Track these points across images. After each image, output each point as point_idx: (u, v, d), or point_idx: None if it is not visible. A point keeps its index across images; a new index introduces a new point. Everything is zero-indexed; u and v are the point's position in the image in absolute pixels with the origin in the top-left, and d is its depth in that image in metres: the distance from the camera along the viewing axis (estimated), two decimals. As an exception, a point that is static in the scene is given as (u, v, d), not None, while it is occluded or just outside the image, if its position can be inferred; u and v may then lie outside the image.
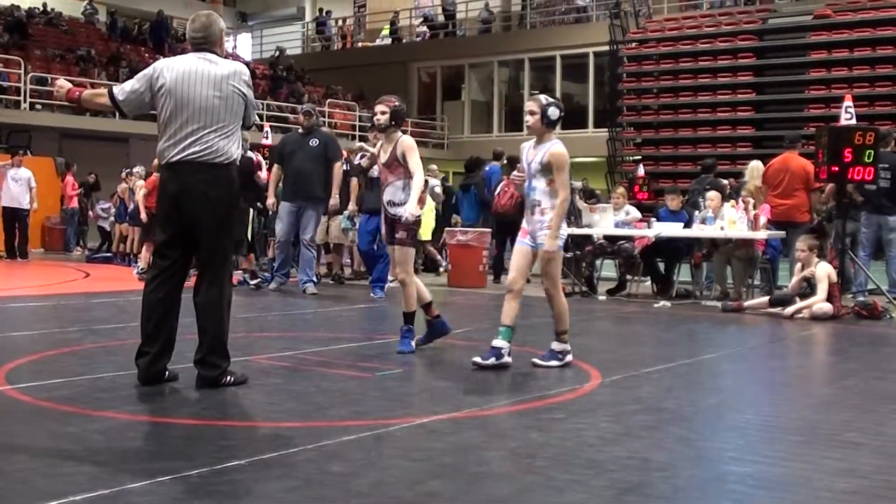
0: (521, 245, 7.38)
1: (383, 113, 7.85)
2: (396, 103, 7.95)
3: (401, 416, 5.44)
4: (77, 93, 6.34)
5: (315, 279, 13.19)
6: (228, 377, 6.18)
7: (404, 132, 8.20)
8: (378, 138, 12.57)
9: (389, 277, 13.75)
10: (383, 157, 7.92)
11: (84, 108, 25.58)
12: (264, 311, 10.89)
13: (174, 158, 6.06)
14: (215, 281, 6.16)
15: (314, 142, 12.54)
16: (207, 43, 6.20)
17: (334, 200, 12.95)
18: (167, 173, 6.17)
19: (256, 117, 6.26)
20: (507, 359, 7.13)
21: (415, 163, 7.84)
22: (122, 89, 6.23)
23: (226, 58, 6.30)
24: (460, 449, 4.78)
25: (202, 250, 6.15)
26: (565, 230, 7.38)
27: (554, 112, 7.21)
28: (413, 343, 7.89)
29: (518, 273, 7.40)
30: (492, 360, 7.06)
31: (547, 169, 7.17)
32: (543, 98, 7.34)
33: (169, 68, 6.11)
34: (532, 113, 7.25)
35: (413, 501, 3.92)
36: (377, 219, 12.38)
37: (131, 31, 34.65)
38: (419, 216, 7.94)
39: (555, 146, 7.19)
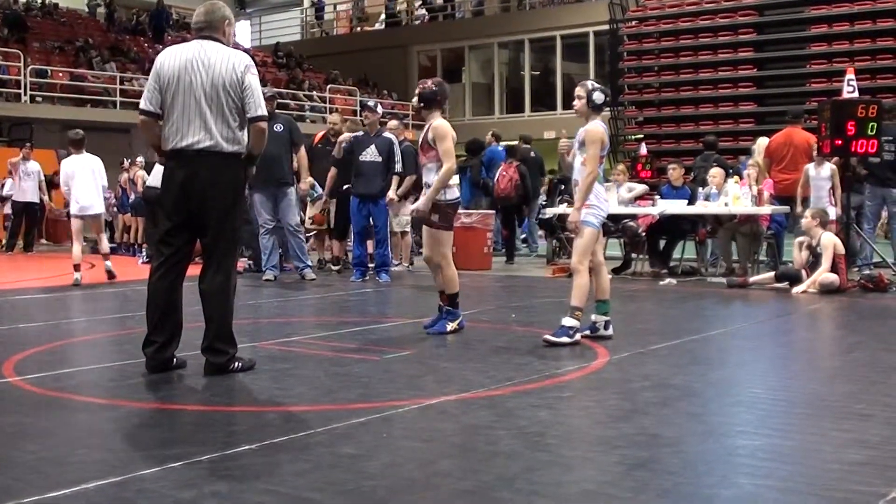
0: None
1: (415, 96, 8.12)
2: (425, 86, 8.09)
3: (409, 398, 5.44)
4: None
5: (311, 263, 13.18)
6: (236, 363, 6.19)
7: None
8: (367, 118, 12.64)
9: (394, 261, 13.78)
10: (420, 140, 8.15)
11: (84, 100, 25.72)
12: (270, 298, 10.91)
13: (179, 145, 6.06)
14: (221, 268, 6.16)
15: (278, 127, 12.37)
16: (209, 29, 6.22)
17: (305, 185, 12.93)
18: (173, 161, 6.16)
19: (263, 107, 6.21)
20: (603, 332, 7.62)
21: (444, 150, 7.92)
22: (143, 98, 6.24)
23: (232, 47, 6.33)
24: (469, 429, 4.79)
25: (209, 237, 6.14)
26: (604, 208, 7.52)
27: (599, 96, 7.50)
28: (449, 325, 7.88)
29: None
30: (587, 332, 7.53)
31: (583, 146, 7.43)
32: (590, 83, 7.63)
33: (171, 55, 6.14)
34: (579, 97, 7.56)
35: (424, 482, 3.94)
36: (368, 203, 12.38)
37: (129, 21, 34.60)
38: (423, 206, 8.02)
39: (591, 125, 7.45)
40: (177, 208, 6.14)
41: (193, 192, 6.06)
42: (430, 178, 7.94)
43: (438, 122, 7.95)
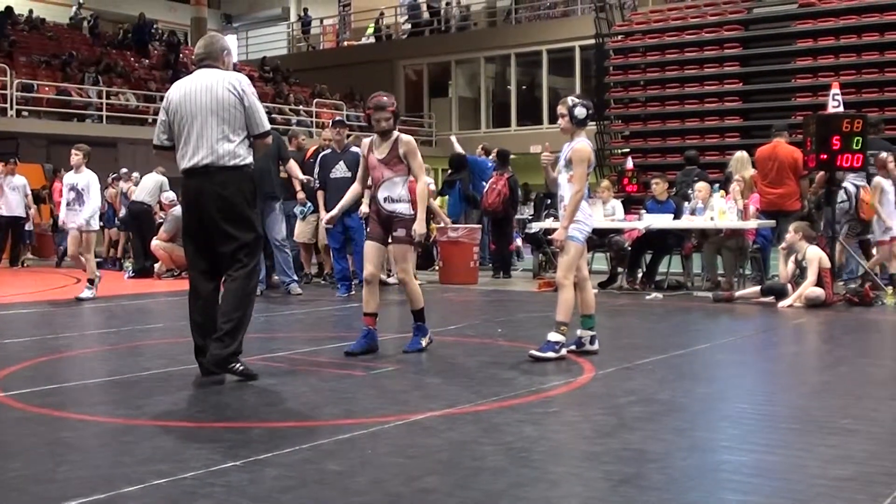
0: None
1: (387, 120, 7.69)
2: (395, 104, 7.84)
3: (395, 414, 5.44)
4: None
5: (297, 278, 13.17)
6: (239, 364, 6.39)
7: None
8: (340, 135, 12.55)
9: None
10: (380, 154, 7.73)
11: (71, 113, 25.64)
12: (256, 313, 10.82)
13: (187, 165, 6.50)
14: (243, 270, 6.47)
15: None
16: (209, 58, 6.71)
17: (302, 195, 12.98)
18: (185, 180, 6.59)
19: (266, 124, 6.65)
20: (588, 346, 7.61)
21: (418, 165, 7.80)
22: (154, 134, 6.80)
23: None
24: (455, 445, 4.79)
25: (227, 247, 6.45)
26: (588, 224, 7.54)
27: (580, 111, 7.48)
28: (423, 341, 7.82)
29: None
30: (573, 347, 7.50)
31: (570, 164, 7.44)
32: (570, 100, 7.61)
33: (175, 88, 6.67)
34: (562, 115, 7.57)
35: (410, 498, 3.93)
36: (343, 219, 12.27)
37: (115, 35, 34.55)
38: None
39: (578, 143, 7.47)
40: (193, 223, 6.61)
41: (203, 206, 6.48)
42: (395, 191, 7.68)
43: (407, 136, 7.88)
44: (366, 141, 7.98)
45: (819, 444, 4.79)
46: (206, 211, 6.44)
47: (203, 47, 6.77)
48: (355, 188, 8.13)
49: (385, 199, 7.71)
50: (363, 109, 32.80)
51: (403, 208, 7.72)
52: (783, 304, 10.87)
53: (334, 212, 8.34)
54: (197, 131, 6.44)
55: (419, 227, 7.71)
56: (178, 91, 6.60)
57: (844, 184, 12.51)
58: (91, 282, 12.40)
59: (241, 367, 6.40)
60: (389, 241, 7.78)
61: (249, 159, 6.56)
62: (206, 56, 6.71)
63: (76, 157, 12.59)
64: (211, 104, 6.43)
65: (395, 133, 7.79)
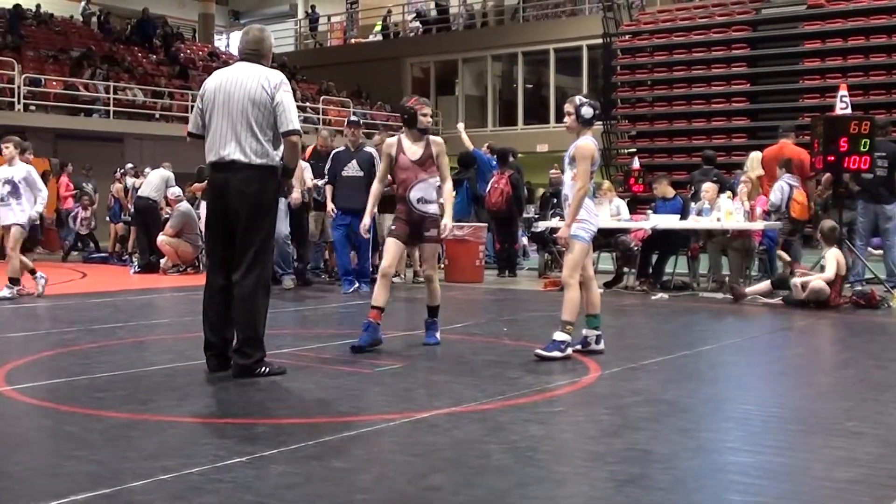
0: None
1: (425, 115, 7.92)
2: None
3: (401, 411, 5.44)
4: None
5: (293, 272, 13.21)
6: (264, 367, 6.41)
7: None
8: (354, 135, 12.61)
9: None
10: (413, 156, 7.82)
11: (79, 108, 25.65)
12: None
13: (214, 158, 6.47)
14: (250, 273, 6.43)
15: None
16: (256, 55, 6.65)
17: (297, 196, 13.03)
18: (211, 172, 6.59)
19: (294, 122, 6.50)
20: (594, 346, 7.59)
21: (447, 166, 7.98)
22: (191, 122, 6.78)
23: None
24: (461, 443, 4.78)
25: (238, 244, 6.43)
26: (594, 223, 7.53)
27: (587, 111, 7.49)
28: (438, 335, 7.95)
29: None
30: (579, 347, 7.51)
31: (573, 162, 7.44)
32: (577, 99, 7.61)
33: (213, 77, 6.64)
34: (568, 114, 7.58)
35: (415, 496, 3.93)
36: (348, 216, 12.25)
37: (122, 31, 34.53)
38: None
39: (581, 140, 7.46)
40: (215, 216, 6.58)
41: (226, 201, 6.45)
42: (429, 193, 7.82)
43: (439, 138, 8.00)
44: (391, 140, 8.06)
45: (824, 446, 4.79)
46: (230, 206, 6.42)
47: (255, 42, 6.68)
48: (378, 188, 8.19)
49: (419, 201, 7.83)
50: (370, 107, 32.81)
51: (435, 209, 7.92)
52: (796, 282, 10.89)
53: (367, 220, 8.31)
54: (225, 125, 6.40)
55: (450, 222, 7.91)
56: (214, 81, 6.58)
57: (779, 182, 12.51)
58: (13, 281, 11.63)
59: (267, 370, 6.42)
60: (420, 240, 7.97)
61: (277, 158, 6.53)
62: (255, 50, 6.64)
63: (7, 149, 11.70)
64: (242, 99, 6.39)
65: (426, 135, 7.94)
